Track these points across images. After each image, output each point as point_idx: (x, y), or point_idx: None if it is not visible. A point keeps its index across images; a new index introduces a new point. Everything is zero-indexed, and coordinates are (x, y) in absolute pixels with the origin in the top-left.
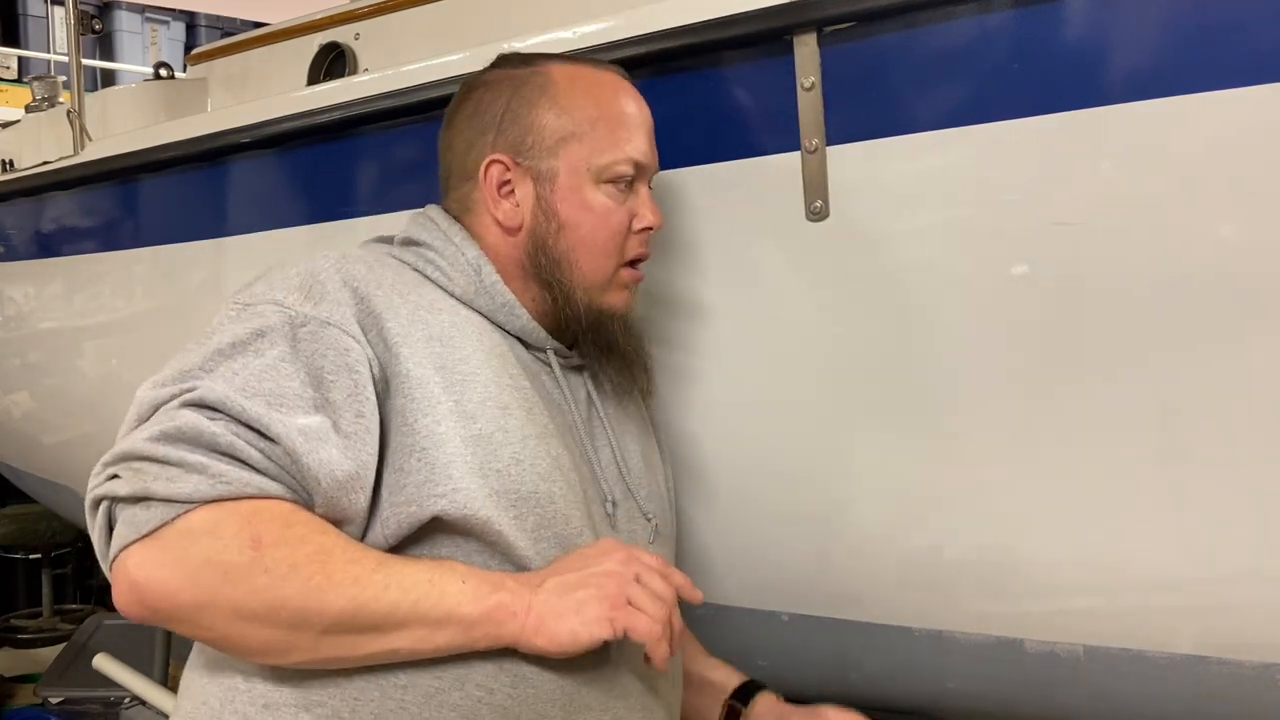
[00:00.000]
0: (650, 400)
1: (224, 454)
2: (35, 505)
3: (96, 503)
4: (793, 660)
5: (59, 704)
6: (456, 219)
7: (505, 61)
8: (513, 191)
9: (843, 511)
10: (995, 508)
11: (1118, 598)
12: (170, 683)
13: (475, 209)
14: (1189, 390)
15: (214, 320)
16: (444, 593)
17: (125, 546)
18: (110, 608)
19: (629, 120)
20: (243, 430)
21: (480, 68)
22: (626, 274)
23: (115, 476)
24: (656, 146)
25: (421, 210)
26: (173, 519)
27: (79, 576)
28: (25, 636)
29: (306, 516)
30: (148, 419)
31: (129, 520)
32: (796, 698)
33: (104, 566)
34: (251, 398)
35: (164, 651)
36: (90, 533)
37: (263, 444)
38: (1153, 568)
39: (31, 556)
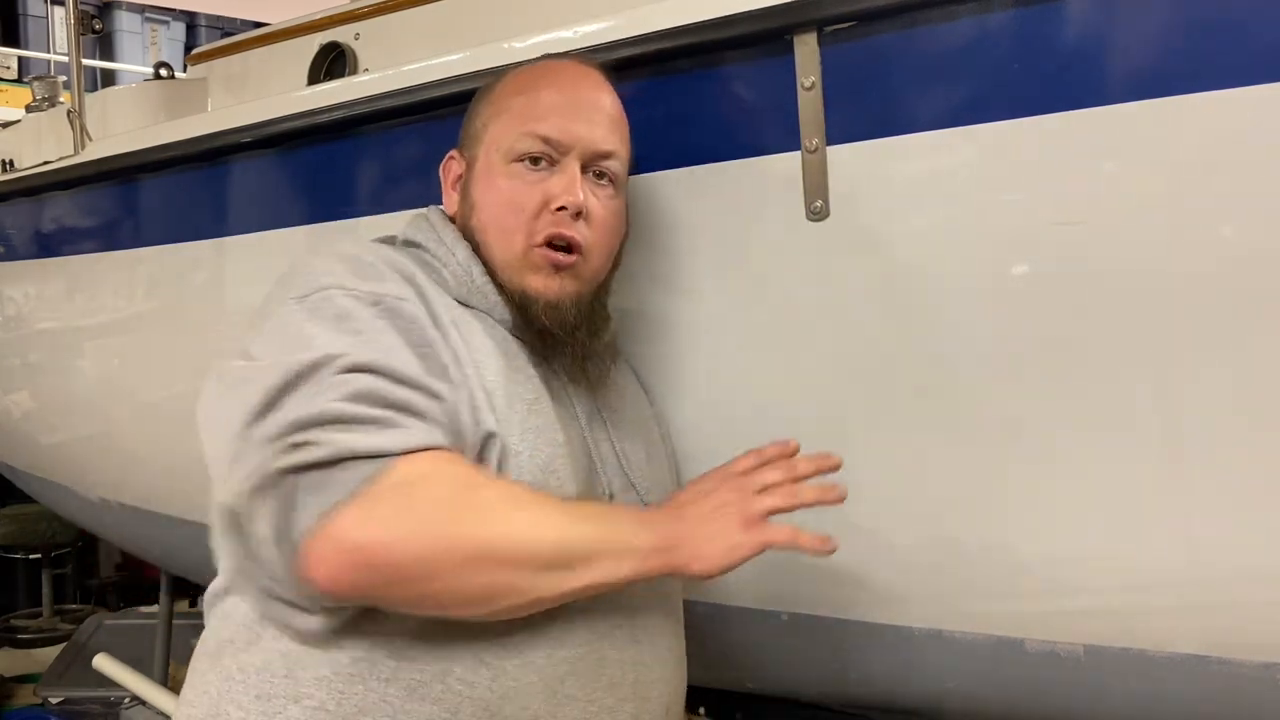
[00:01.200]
0: (606, 387)
1: (404, 409)
2: (35, 505)
3: (278, 477)
4: (793, 660)
5: (59, 704)
6: (452, 219)
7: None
8: (457, 183)
9: (842, 511)
10: (995, 507)
11: (1118, 598)
12: (170, 683)
13: (445, 201)
14: (1189, 390)
15: (277, 324)
16: (619, 526)
17: (327, 511)
18: (110, 608)
19: (548, 98)
20: (406, 388)
21: (480, 68)
22: (539, 254)
23: (299, 445)
24: (616, 132)
25: (421, 212)
26: (375, 475)
27: (79, 576)
28: (25, 636)
29: (480, 467)
30: (293, 385)
31: (326, 484)
32: (796, 698)
33: (285, 548)
34: (397, 360)
35: (164, 651)
36: (255, 520)
37: (429, 401)
38: (1153, 568)
39: (31, 556)
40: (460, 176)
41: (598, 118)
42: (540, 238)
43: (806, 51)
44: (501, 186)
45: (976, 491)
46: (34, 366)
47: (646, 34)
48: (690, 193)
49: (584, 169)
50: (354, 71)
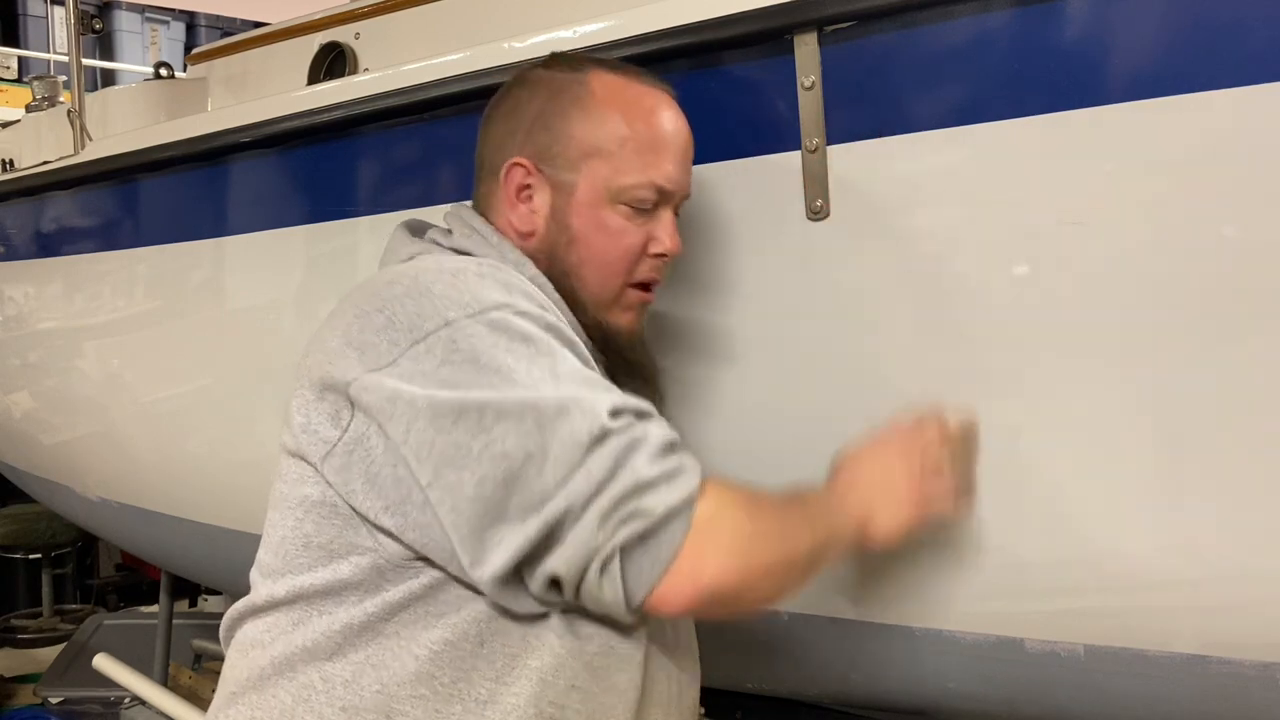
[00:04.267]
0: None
1: (673, 448)
2: (35, 505)
3: (611, 556)
4: (793, 660)
5: (59, 704)
6: (490, 223)
7: (554, 62)
8: (531, 197)
9: None
10: (995, 507)
11: (1118, 598)
12: (170, 683)
13: (495, 209)
14: (1189, 389)
15: (453, 347)
16: (834, 513)
17: (663, 570)
18: (110, 608)
19: (660, 145)
20: (655, 422)
21: (480, 67)
22: (634, 295)
23: (625, 521)
24: (690, 171)
25: (459, 217)
26: (690, 522)
27: (79, 576)
28: (25, 636)
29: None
30: (588, 452)
31: (656, 546)
32: (797, 698)
33: (628, 603)
34: (621, 393)
35: (164, 651)
36: (602, 594)
37: (667, 425)
38: (1153, 568)
39: (31, 556)
40: (527, 187)
41: (689, 159)
42: (637, 280)
43: (806, 51)
44: (613, 227)
45: (977, 490)
46: (34, 366)
47: (646, 34)
48: (690, 192)
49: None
50: (354, 71)
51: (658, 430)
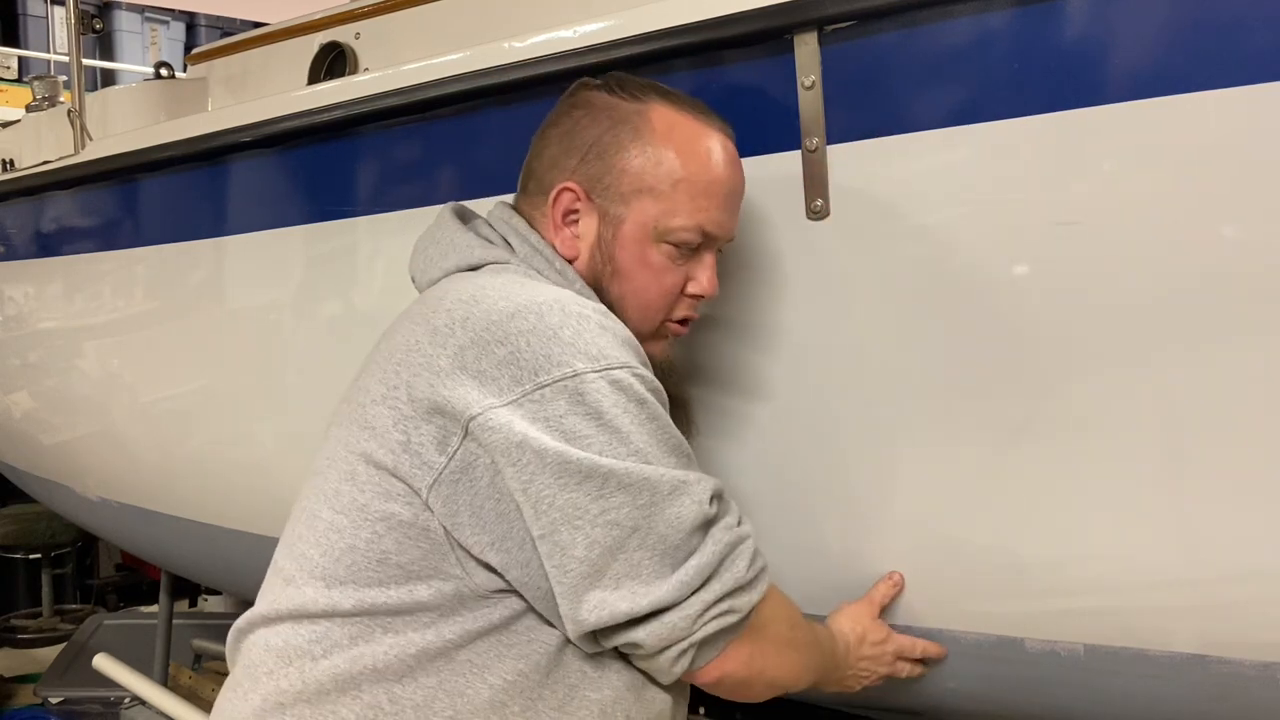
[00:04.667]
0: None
1: (755, 557)
2: (35, 505)
3: (697, 642)
4: None
5: (59, 704)
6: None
7: (616, 86)
8: (576, 222)
9: (841, 511)
10: (995, 507)
11: (1118, 598)
12: (170, 683)
13: (540, 224)
14: (1189, 389)
15: (579, 399)
16: (835, 644)
17: (723, 651)
18: (110, 608)
19: (712, 189)
20: (727, 502)
21: (480, 67)
22: (670, 328)
23: (721, 615)
24: (737, 215)
25: (514, 229)
26: (752, 618)
27: (79, 576)
28: (25, 636)
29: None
30: (691, 536)
31: (729, 635)
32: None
33: (679, 669)
34: (694, 465)
35: (164, 651)
36: (669, 668)
37: (737, 512)
38: (1153, 568)
39: (31, 556)
40: (574, 213)
41: (739, 204)
42: (676, 318)
43: (806, 51)
44: (655, 265)
45: (977, 491)
46: (34, 366)
47: (646, 34)
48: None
49: None
50: (354, 71)
51: (748, 528)
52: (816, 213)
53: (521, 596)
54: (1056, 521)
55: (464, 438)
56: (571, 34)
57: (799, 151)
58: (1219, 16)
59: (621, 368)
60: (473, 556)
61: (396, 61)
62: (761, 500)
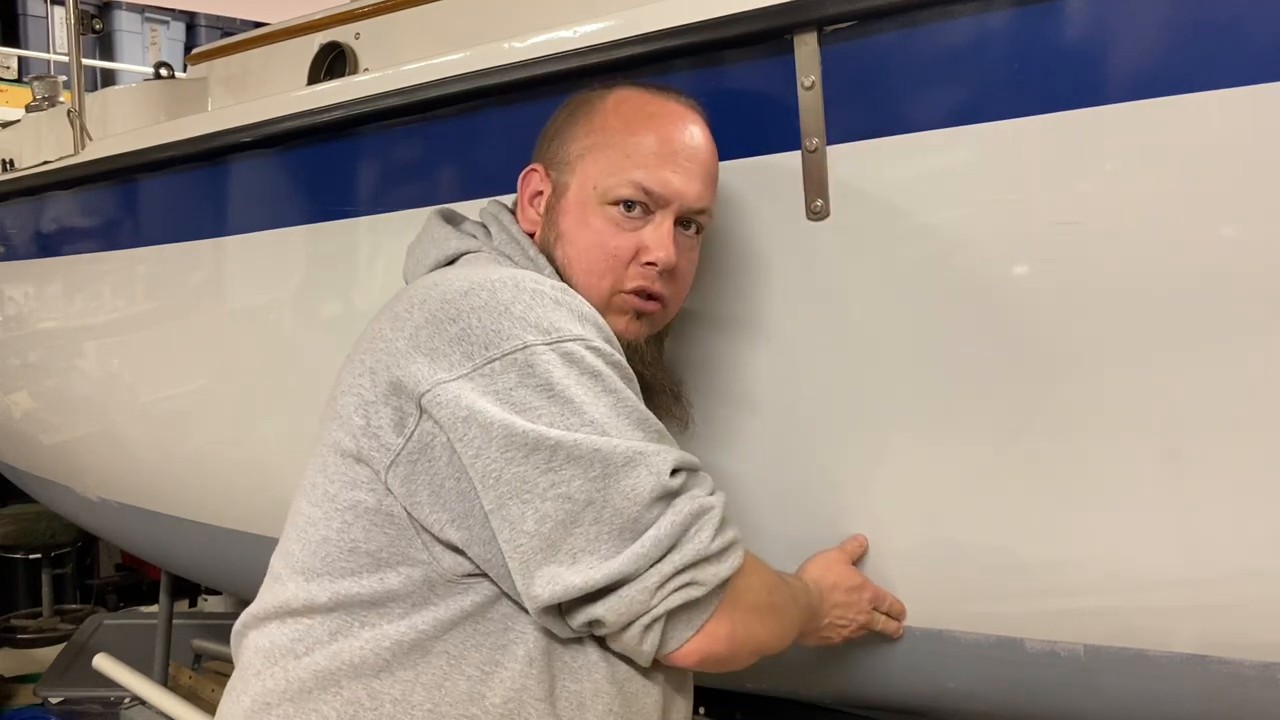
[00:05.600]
0: (685, 431)
1: (727, 526)
2: (35, 505)
3: (660, 616)
4: (792, 660)
5: (59, 704)
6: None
7: (599, 85)
8: (540, 201)
9: (840, 511)
10: (995, 507)
11: (1118, 598)
12: (170, 683)
13: (518, 211)
14: (1190, 389)
15: (529, 371)
16: (809, 604)
17: (699, 629)
18: (110, 608)
19: (655, 147)
20: (698, 475)
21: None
22: (625, 299)
23: (683, 588)
24: (711, 186)
25: (497, 219)
26: (727, 591)
27: (79, 576)
28: (25, 636)
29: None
30: (649, 509)
31: (701, 610)
32: (796, 698)
33: (655, 656)
34: (665, 440)
35: (164, 651)
36: (638, 646)
37: (709, 483)
38: (1153, 568)
39: (31, 556)
40: (540, 193)
41: (696, 170)
42: (628, 287)
43: (806, 51)
44: (596, 227)
45: (977, 491)
46: (34, 366)
47: (646, 34)
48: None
49: (675, 220)
50: (354, 71)
51: (718, 498)
52: (816, 213)
53: (492, 580)
54: (1056, 521)
55: (420, 417)
56: (571, 34)
57: (799, 152)
58: (1219, 16)
59: (575, 340)
60: (437, 539)
61: (396, 61)
62: (760, 500)
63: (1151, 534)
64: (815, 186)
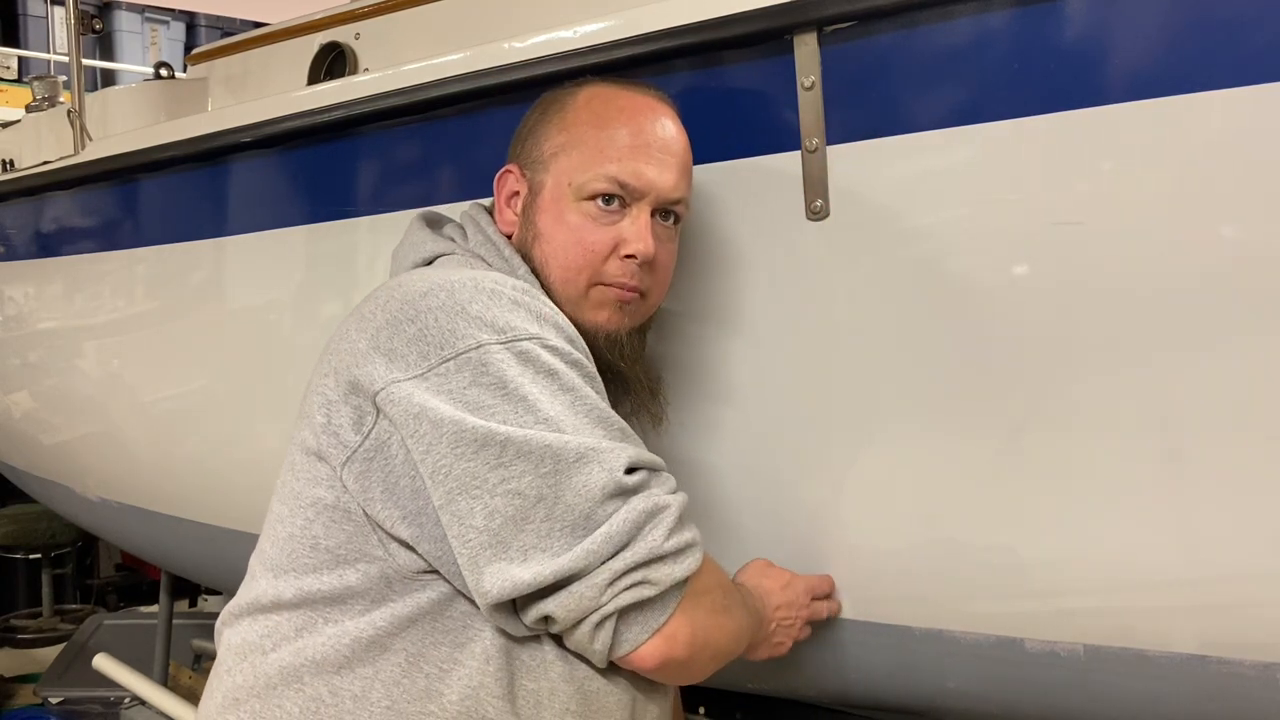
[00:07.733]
0: (659, 427)
1: (685, 526)
2: (35, 505)
3: (610, 615)
4: (792, 660)
5: (59, 704)
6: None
7: (568, 83)
8: (516, 201)
9: (840, 511)
10: (996, 507)
11: (1118, 598)
12: (170, 683)
13: (497, 215)
14: (1190, 389)
15: (483, 370)
16: (757, 614)
17: (655, 630)
18: (110, 608)
19: (627, 140)
20: (659, 475)
21: (481, 68)
22: (606, 291)
23: (635, 586)
24: (686, 176)
25: (475, 221)
26: (685, 592)
27: (79, 576)
28: (25, 636)
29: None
30: (601, 506)
31: (655, 612)
32: (796, 698)
33: (609, 658)
34: (628, 439)
35: (164, 651)
36: (589, 644)
37: (667, 480)
38: (1153, 568)
39: (31, 556)
40: (516, 193)
41: (670, 161)
42: (605, 280)
43: (806, 51)
44: (572, 224)
45: (977, 491)
46: (34, 366)
47: (646, 34)
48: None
49: (652, 212)
50: (354, 71)
51: (676, 498)
52: (816, 213)
53: (446, 579)
54: (1056, 521)
55: (377, 415)
56: (571, 34)
57: (799, 152)
58: (1219, 16)
59: (530, 339)
60: (391, 536)
61: (396, 61)
62: (758, 500)
63: (1151, 534)
64: (815, 186)
